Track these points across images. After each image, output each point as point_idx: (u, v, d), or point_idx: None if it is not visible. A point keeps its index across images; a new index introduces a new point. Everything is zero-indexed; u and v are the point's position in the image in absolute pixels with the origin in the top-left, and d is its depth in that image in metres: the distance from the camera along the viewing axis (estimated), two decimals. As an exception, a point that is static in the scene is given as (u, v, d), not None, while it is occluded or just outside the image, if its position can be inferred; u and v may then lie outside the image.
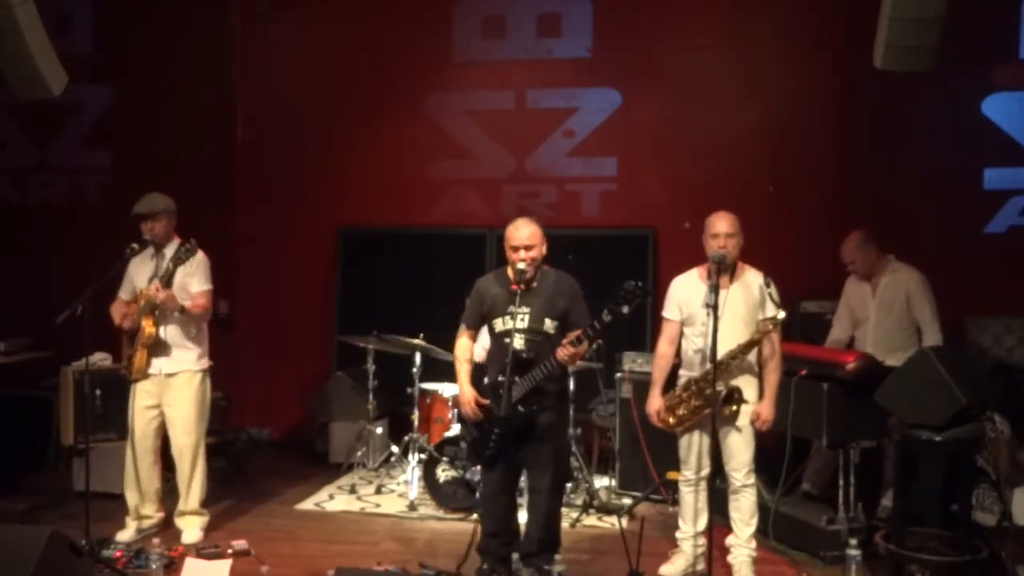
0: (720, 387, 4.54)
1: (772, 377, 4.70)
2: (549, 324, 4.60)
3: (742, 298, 4.67)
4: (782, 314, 4.60)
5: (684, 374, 4.85)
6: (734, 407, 4.58)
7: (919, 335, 5.63)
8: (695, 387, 4.69)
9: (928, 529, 4.58)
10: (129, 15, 7.94)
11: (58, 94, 6.07)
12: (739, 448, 4.68)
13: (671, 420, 4.80)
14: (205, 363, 5.52)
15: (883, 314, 5.69)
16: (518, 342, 4.53)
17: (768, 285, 4.64)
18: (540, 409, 4.56)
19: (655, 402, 4.86)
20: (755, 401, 4.70)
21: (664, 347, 4.90)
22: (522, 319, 4.56)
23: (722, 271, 4.62)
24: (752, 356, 4.69)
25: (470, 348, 4.83)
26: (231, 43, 8.08)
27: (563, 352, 4.42)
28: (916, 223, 6.88)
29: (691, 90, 7.44)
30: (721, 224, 4.66)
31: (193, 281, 5.38)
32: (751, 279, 4.71)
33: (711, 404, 4.52)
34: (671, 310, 4.87)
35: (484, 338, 5.03)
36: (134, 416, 5.40)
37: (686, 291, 4.81)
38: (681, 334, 4.86)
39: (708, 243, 4.68)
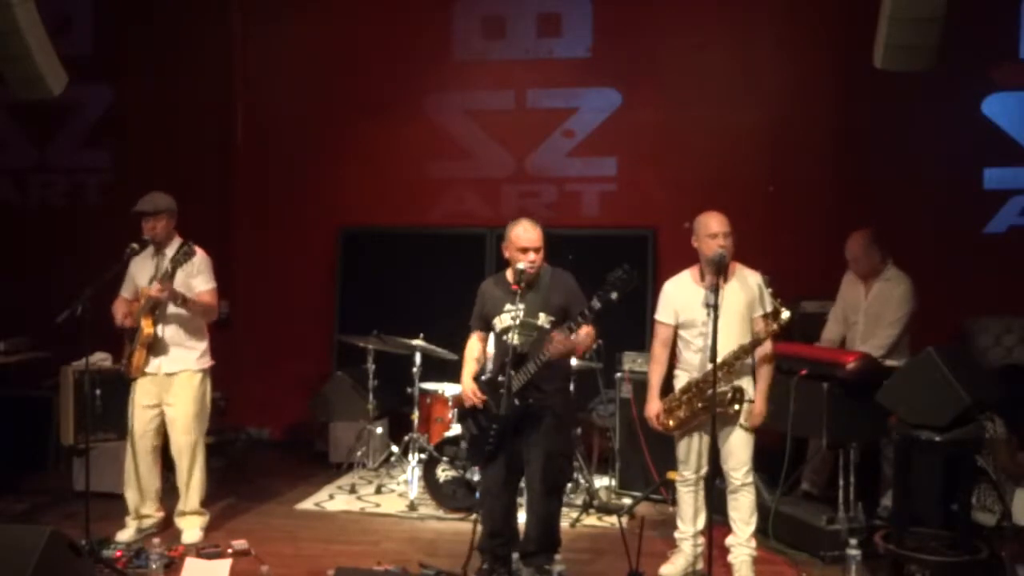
0: (723, 387, 4.55)
1: (766, 374, 4.71)
2: (543, 318, 4.60)
3: (738, 296, 4.66)
4: (787, 313, 4.57)
5: (681, 375, 4.83)
6: (737, 406, 4.58)
7: (910, 339, 5.62)
8: (695, 388, 4.68)
9: (928, 529, 4.57)
10: (129, 15, 7.94)
11: (58, 94, 6.07)
12: (738, 447, 4.68)
13: (670, 423, 4.78)
14: (206, 363, 5.51)
15: (872, 323, 5.68)
16: (514, 338, 4.53)
17: (768, 284, 4.63)
18: (540, 406, 4.57)
19: (654, 406, 4.85)
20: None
21: (659, 351, 4.89)
22: (517, 315, 4.56)
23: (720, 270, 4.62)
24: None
25: (479, 349, 4.86)
26: (231, 43, 8.08)
27: (550, 347, 4.41)
28: (916, 223, 6.87)
29: (691, 90, 7.44)
30: (717, 224, 4.65)
31: (197, 281, 5.37)
32: (746, 276, 4.71)
33: (713, 404, 4.50)
34: (665, 314, 4.84)
35: (490, 345, 5.04)
36: (133, 415, 5.40)
37: (681, 295, 4.79)
38: (676, 337, 4.85)
39: (705, 243, 4.67)
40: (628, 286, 4.29)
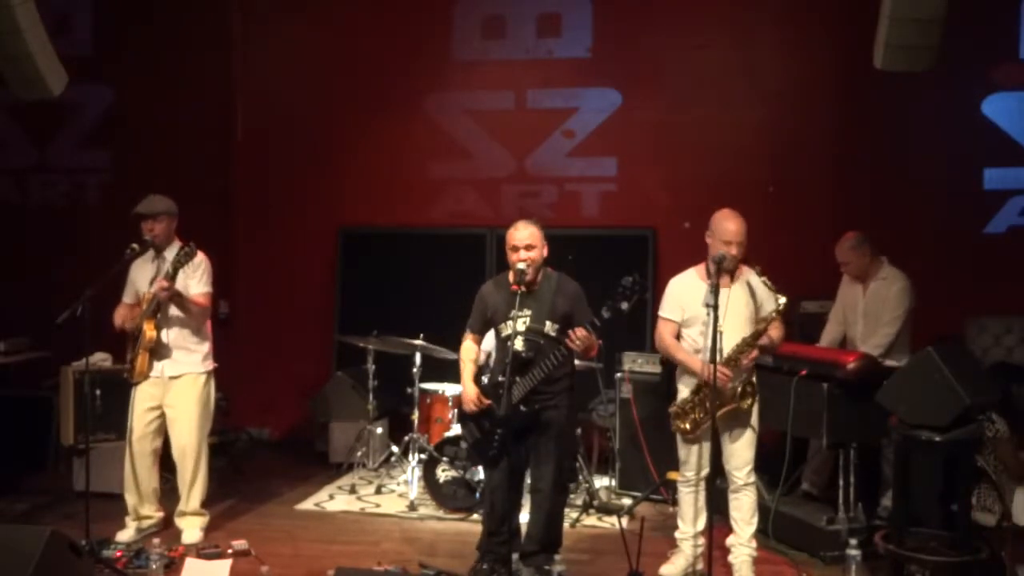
0: (732, 385, 4.55)
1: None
2: (550, 326, 4.60)
3: (744, 298, 4.65)
4: (783, 299, 4.56)
5: (686, 375, 4.81)
6: (749, 400, 4.58)
7: (910, 338, 5.61)
8: (707, 389, 4.64)
9: (928, 529, 4.57)
10: (129, 15, 7.94)
11: (58, 94, 6.07)
12: (742, 448, 4.68)
13: (687, 426, 4.74)
14: (209, 365, 5.51)
15: (870, 322, 5.68)
16: (519, 343, 4.53)
17: (760, 275, 4.61)
18: (543, 408, 4.57)
19: (706, 369, 4.57)
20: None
21: (670, 338, 4.80)
22: (523, 321, 4.56)
23: (722, 271, 4.61)
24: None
25: (475, 350, 4.85)
26: (231, 43, 8.08)
27: (572, 343, 4.38)
28: (916, 223, 6.88)
29: (691, 90, 7.44)
30: (734, 232, 4.57)
31: (192, 282, 5.36)
32: (752, 278, 4.70)
33: (713, 405, 4.50)
34: (672, 310, 4.81)
35: (487, 342, 5.04)
36: (134, 418, 5.39)
37: (687, 292, 4.76)
38: (679, 334, 4.84)
39: (714, 244, 4.65)
40: (638, 295, 4.29)
